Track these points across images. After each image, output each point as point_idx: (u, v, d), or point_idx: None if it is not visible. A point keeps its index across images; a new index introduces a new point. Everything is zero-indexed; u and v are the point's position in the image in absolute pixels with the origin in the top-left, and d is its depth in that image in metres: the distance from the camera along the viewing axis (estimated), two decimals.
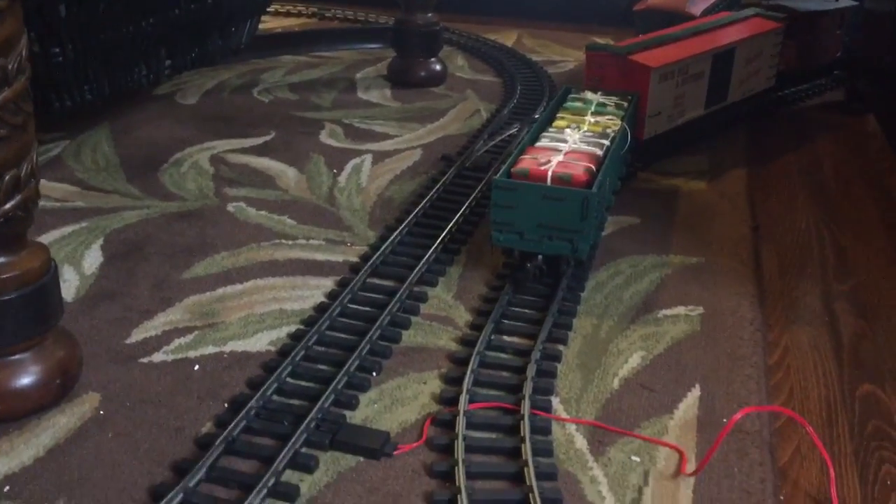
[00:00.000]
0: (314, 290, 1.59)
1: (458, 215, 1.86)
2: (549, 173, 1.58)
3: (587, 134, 1.79)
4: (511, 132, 2.38)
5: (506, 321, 1.51)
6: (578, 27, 3.69)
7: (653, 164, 2.23)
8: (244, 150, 2.24)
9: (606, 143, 1.75)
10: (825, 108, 2.83)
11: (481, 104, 2.68)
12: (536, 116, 2.12)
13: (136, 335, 1.44)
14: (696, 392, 1.35)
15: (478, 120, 2.53)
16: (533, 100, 2.68)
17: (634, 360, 1.42)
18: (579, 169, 1.61)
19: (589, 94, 2.04)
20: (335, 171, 2.14)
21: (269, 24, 3.54)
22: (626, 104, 2.00)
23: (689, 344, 1.47)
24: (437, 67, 2.87)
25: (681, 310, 1.57)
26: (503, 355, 1.42)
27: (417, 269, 1.63)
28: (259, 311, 1.52)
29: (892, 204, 2.11)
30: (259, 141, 2.31)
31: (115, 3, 1.84)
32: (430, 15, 2.79)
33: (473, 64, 3.14)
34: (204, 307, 1.52)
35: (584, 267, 1.67)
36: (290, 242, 1.77)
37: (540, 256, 1.58)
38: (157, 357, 1.38)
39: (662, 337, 1.49)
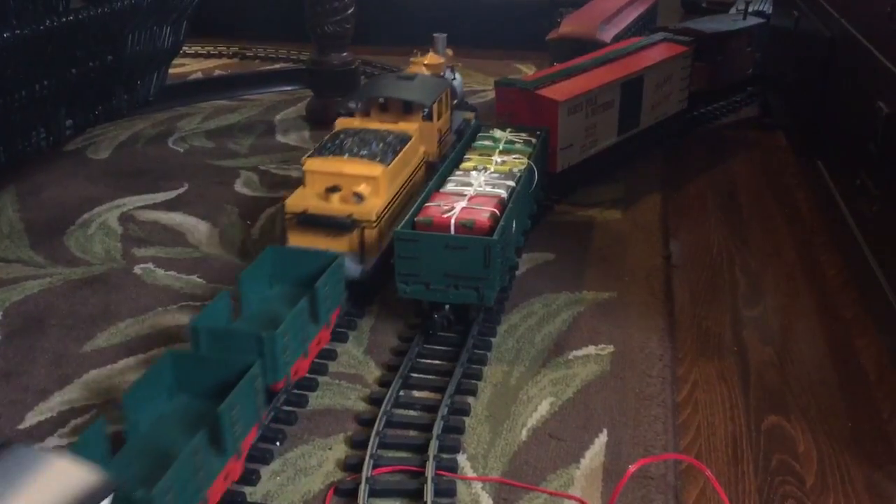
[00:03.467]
0: None
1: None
2: (453, 221, 1.58)
3: (493, 175, 1.79)
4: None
5: (414, 375, 1.49)
6: (502, 54, 3.71)
7: (569, 196, 2.23)
8: (155, 206, 2.19)
9: (512, 184, 1.75)
10: (740, 125, 2.87)
11: None
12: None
13: (31, 419, 1.39)
14: (603, 438, 1.34)
15: None
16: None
17: (543, 408, 1.41)
18: (483, 214, 1.60)
19: (498, 132, 2.04)
20: (249, 222, 2.11)
21: (189, 66, 3.49)
22: (534, 140, 2.00)
23: (597, 386, 1.47)
24: (355, 105, 2.84)
25: (591, 349, 1.57)
26: (411, 412, 1.40)
27: None
28: None
29: (801, 221, 2.14)
30: (171, 195, 2.26)
31: (3, 69, 1.79)
32: (344, 54, 2.77)
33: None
34: (104, 383, 1.48)
35: (495, 311, 1.66)
36: (199, 304, 1.73)
37: (447, 306, 1.56)
38: (51, 442, 1.33)
39: (572, 380, 1.48)
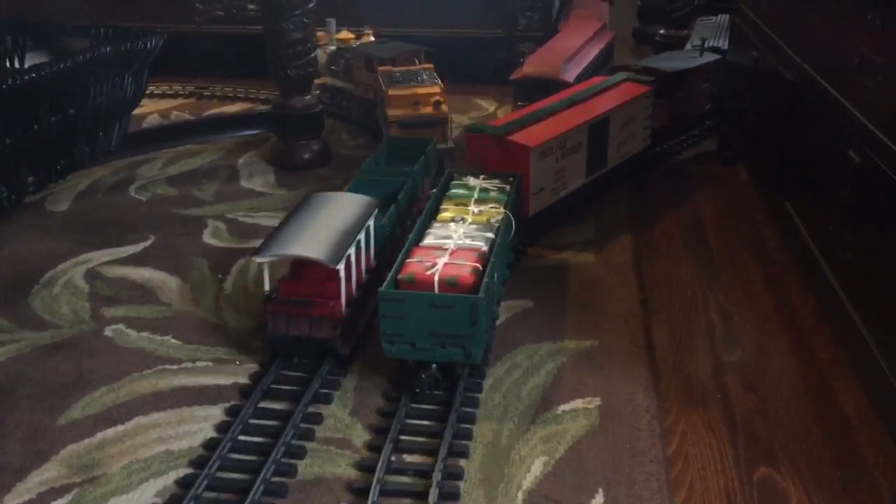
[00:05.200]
0: (202, 423, 1.52)
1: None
2: (436, 278, 1.57)
3: (471, 227, 1.78)
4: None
5: (404, 437, 1.47)
6: (461, 89, 3.71)
7: (541, 239, 2.24)
8: (121, 261, 2.14)
9: (491, 235, 1.75)
10: (701, 158, 2.92)
11: None
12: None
13: (9, 502, 1.33)
14: (599, 499, 1.33)
15: None
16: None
17: (537, 468, 1.40)
18: (466, 270, 1.59)
19: (471, 180, 2.04)
20: (220, 276, 2.07)
21: (145, 107, 3.42)
22: (508, 187, 2.01)
23: (589, 442, 1.46)
24: (321, 148, 2.83)
25: (579, 403, 1.57)
26: (404, 479, 1.38)
27: (311, 386, 1.58)
28: (144, 456, 1.43)
29: (770, 259, 2.18)
30: (138, 248, 2.21)
31: None
32: (308, 97, 2.75)
33: (358, 138, 3.12)
34: (83, 458, 1.43)
35: (480, 365, 1.65)
36: (175, 367, 1.69)
37: (434, 365, 1.55)
38: None
39: (563, 437, 1.48)
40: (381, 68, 2.83)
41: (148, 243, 2.24)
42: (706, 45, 3.03)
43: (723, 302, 1.96)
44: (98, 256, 2.16)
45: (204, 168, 2.81)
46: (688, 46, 3.31)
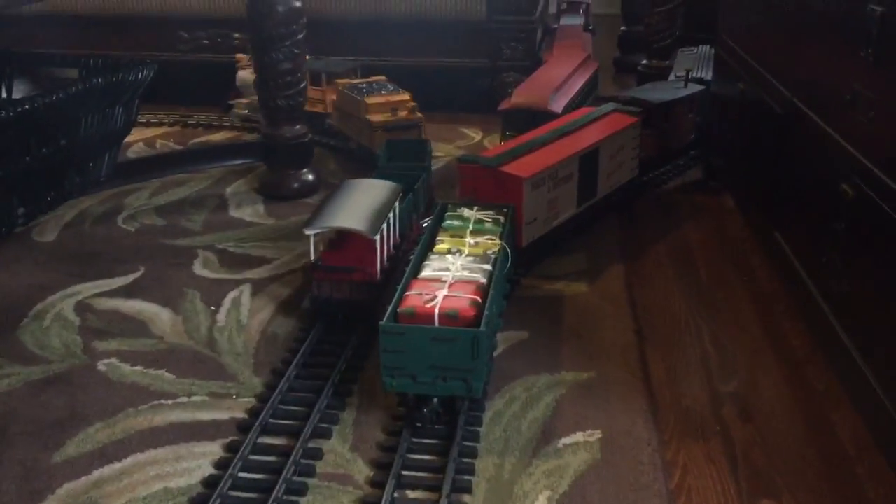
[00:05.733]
0: (200, 460, 1.50)
1: (346, 349, 1.81)
2: (436, 312, 1.56)
3: (469, 259, 1.79)
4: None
5: (406, 472, 1.46)
6: (446, 117, 3.74)
7: (534, 269, 2.25)
8: (112, 293, 2.11)
9: (489, 268, 1.75)
10: (687, 188, 2.95)
11: None
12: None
13: None
14: None
15: None
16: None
17: None
18: (465, 303, 1.59)
19: (466, 211, 2.05)
20: (213, 307, 2.05)
21: (130, 136, 3.40)
22: (502, 219, 2.01)
23: (592, 477, 1.46)
24: (310, 177, 2.83)
25: (579, 436, 1.57)
26: None
27: (310, 421, 1.57)
28: (142, 494, 1.41)
29: (760, 288, 2.20)
30: (128, 279, 2.19)
31: None
32: (297, 126, 2.75)
33: (346, 167, 3.12)
34: (80, 497, 1.40)
35: (480, 398, 1.64)
36: (171, 402, 1.67)
37: (435, 399, 1.54)
38: None
39: (566, 471, 1.47)
40: (340, 81, 3.20)
41: (138, 274, 2.22)
42: (690, 76, 3.08)
43: (716, 331, 1.98)
44: (88, 288, 2.13)
45: (192, 198, 2.79)
46: (671, 77, 3.36)
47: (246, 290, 2.14)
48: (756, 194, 2.36)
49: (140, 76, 2.26)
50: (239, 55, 3.60)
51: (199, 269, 2.26)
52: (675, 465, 1.51)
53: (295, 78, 2.67)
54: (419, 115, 2.97)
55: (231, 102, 3.61)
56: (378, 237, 1.88)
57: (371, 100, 2.95)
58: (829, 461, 1.52)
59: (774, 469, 1.50)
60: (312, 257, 1.92)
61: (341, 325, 1.90)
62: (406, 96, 2.99)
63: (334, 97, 3.22)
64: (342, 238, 1.99)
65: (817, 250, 1.74)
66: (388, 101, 2.96)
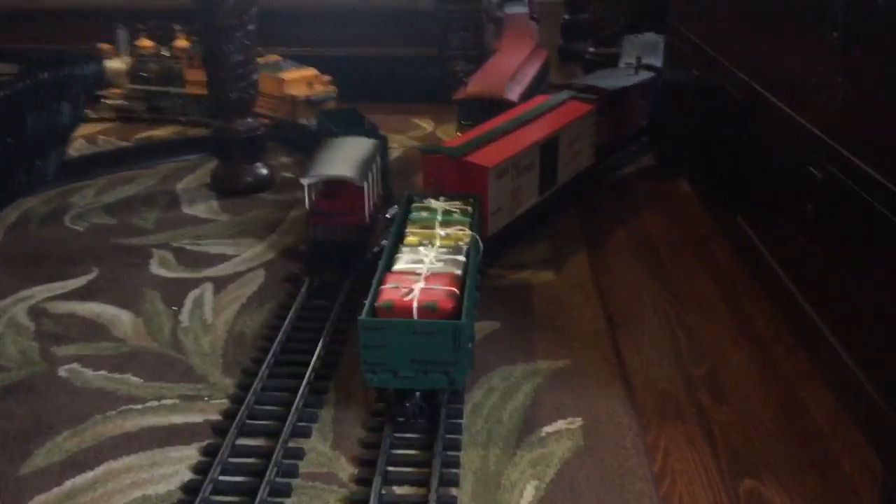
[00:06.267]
0: (178, 465, 1.45)
1: (318, 346, 1.78)
2: (415, 305, 1.55)
3: (441, 251, 1.77)
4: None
5: (392, 469, 1.44)
6: (397, 108, 3.71)
7: (500, 259, 2.24)
8: (66, 296, 2.04)
9: (462, 259, 1.74)
10: (641, 174, 2.99)
11: None
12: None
13: None
14: None
15: None
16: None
17: (529, 493, 1.40)
18: (443, 295, 1.58)
19: (433, 202, 2.03)
20: (175, 308, 1.99)
21: None
22: (470, 209, 2.00)
23: (577, 463, 1.47)
24: (264, 171, 2.77)
25: (561, 424, 1.57)
26: None
27: (288, 420, 1.53)
28: (119, 503, 1.36)
29: (721, 271, 2.24)
30: (81, 281, 2.11)
31: None
32: (249, 119, 2.69)
33: (299, 160, 3.07)
34: None
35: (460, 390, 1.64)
36: (140, 406, 1.61)
37: (418, 393, 1.53)
38: None
39: (551, 460, 1.47)
40: None
41: (92, 276, 2.14)
42: (640, 63, 3.12)
43: (682, 315, 2.00)
44: (40, 292, 2.05)
45: (141, 195, 2.71)
46: (621, 64, 3.40)
47: (207, 288, 2.09)
48: (715, 179, 2.40)
49: (87, 70, 2.18)
50: (102, 45, 3.61)
51: (155, 268, 2.20)
52: (656, 449, 1.53)
53: (247, 70, 2.61)
54: (333, 87, 3.30)
55: (102, 94, 3.59)
56: (366, 184, 2.11)
57: (288, 76, 3.19)
58: (804, 439, 1.56)
59: (753, 449, 1.53)
60: (307, 204, 2.14)
61: (313, 317, 1.88)
62: (313, 71, 3.29)
63: None
64: (333, 187, 2.17)
65: (785, 233, 1.78)
66: (303, 77, 3.21)
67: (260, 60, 3.13)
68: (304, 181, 2.10)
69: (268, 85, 3.19)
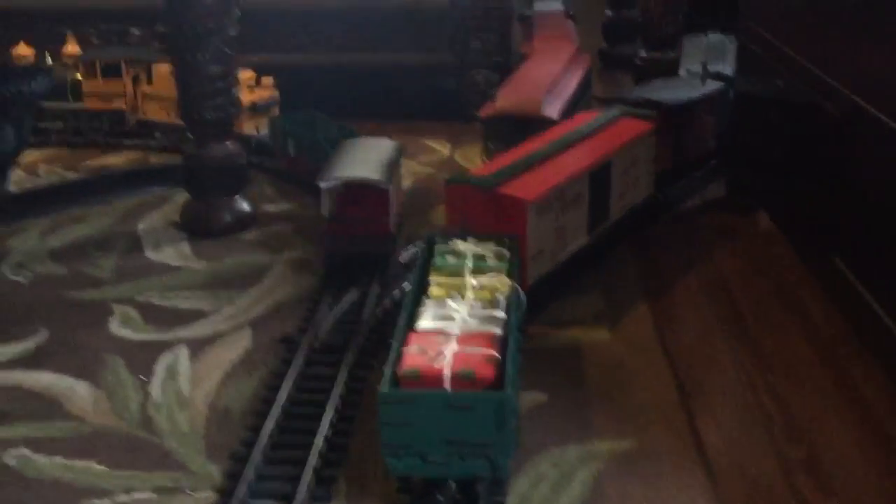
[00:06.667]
0: None
1: (323, 424, 1.80)
2: (447, 372, 1.57)
3: (475, 305, 1.80)
4: (360, 290, 2.34)
5: None
6: (407, 128, 3.75)
7: (541, 313, 2.27)
8: (10, 364, 2.07)
9: (502, 315, 1.76)
10: (710, 206, 3.02)
11: (311, 252, 2.64)
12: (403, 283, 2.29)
13: None
14: None
15: (312, 276, 2.49)
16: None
17: None
18: (481, 360, 1.60)
19: (460, 244, 2.06)
20: (143, 377, 2.02)
21: None
22: (506, 252, 2.03)
23: None
24: (245, 207, 2.81)
25: None
26: None
27: None
28: None
29: (815, 327, 2.25)
30: (28, 345, 2.14)
31: None
32: (228, 143, 2.74)
33: (286, 191, 3.11)
34: None
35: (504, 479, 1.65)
36: (107, 502, 1.63)
37: (452, 482, 1.54)
38: None
39: None
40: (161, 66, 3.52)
41: (40, 338, 2.17)
42: (706, 71, 3.17)
43: (772, 383, 2.02)
44: None
45: (96, 238, 2.75)
46: (682, 72, 3.45)
47: (182, 353, 2.11)
48: (804, 213, 2.43)
49: (34, 86, 2.23)
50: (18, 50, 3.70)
51: (117, 328, 2.23)
52: None
53: (225, 83, 2.67)
54: (276, 90, 3.54)
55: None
56: (390, 189, 2.35)
57: None
58: None
59: None
60: (326, 212, 2.34)
61: (310, 391, 1.90)
62: (252, 72, 3.47)
63: (146, 88, 3.61)
64: (352, 192, 2.38)
65: None
66: (243, 80, 3.28)
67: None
68: (323, 185, 2.32)
69: None
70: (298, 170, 3.01)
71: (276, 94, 3.54)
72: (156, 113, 3.60)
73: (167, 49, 2.91)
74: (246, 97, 3.35)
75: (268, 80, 3.55)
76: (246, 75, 3.44)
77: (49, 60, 3.66)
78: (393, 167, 2.48)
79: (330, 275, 2.37)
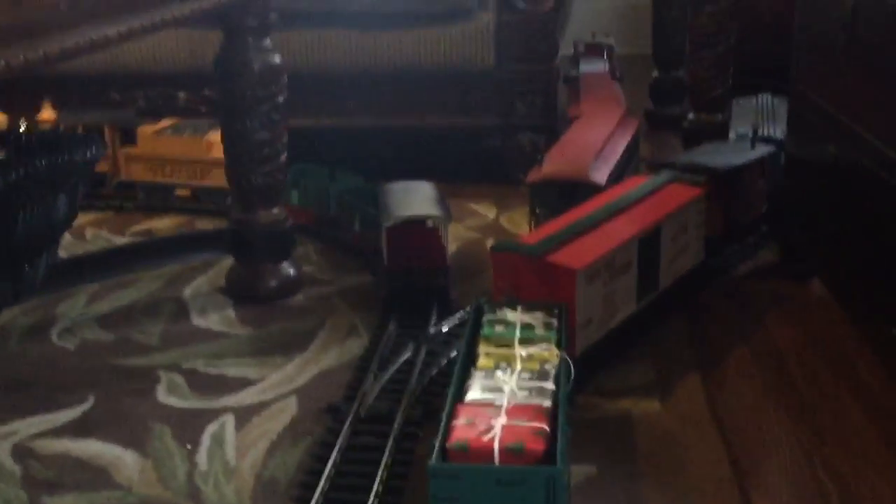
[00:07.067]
0: None
1: (371, 497, 1.82)
2: (496, 446, 1.58)
3: (524, 376, 1.82)
4: (406, 356, 2.37)
5: None
6: (450, 191, 3.78)
7: (590, 383, 2.28)
8: (57, 432, 2.12)
9: (551, 386, 1.78)
10: (762, 273, 3.03)
11: (356, 317, 2.68)
12: (453, 352, 2.36)
13: None
14: None
15: (358, 342, 2.53)
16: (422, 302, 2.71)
17: None
18: (530, 434, 1.61)
19: (508, 313, 2.08)
20: (189, 446, 2.06)
21: None
22: (554, 321, 2.05)
23: None
24: (291, 272, 2.87)
25: None
26: None
27: None
28: None
29: (875, 400, 2.24)
30: (75, 412, 2.19)
31: None
32: (275, 210, 2.80)
33: (331, 258, 3.16)
34: None
35: None
36: None
37: None
38: None
39: None
40: (145, 130, 3.75)
41: (87, 406, 2.22)
42: (756, 134, 3.19)
43: (830, 459, 2.01)
44: (25, 427, 2.13)
45: (142, 303, 2.81)
46: (731, 134, 3.48)
47: (228, 421, 2.15)
48: (860, 280, 2.43)
49: (88, 154, 2.31)
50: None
51: (163, 396, 2.27)
52: None
53: (273, 150, 2.73)
54: None
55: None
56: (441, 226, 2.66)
57: (215, 137, 3.46)
58: None
59: None
60: (385, 252, 2.63)
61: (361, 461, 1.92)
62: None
63: (132, 150, 3.75)
64: (406, 231, 2.64)
65: None
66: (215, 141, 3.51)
67: (156, 127, 3.76)
68: (386, 224, 2.61)
69: (184, 149, 3.66)
70: (366, 247, 3.01)
71: None
72: (141, 174, 3.73)
73: (215, 114, 2.99)
74: None
75: None
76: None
77: (23, 126, 3.72)
78: (442, 202, 2.79)
79: (390, 309, 2.63)
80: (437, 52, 3.83)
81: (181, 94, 3.92)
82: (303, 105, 3.61)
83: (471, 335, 2.01)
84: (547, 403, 1.72)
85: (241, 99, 2.64)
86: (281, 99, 2.71)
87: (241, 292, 2.82)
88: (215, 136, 3.54)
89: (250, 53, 2.62)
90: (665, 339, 2.53)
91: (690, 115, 4.09)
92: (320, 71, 3.84)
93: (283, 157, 2.78)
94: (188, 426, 2.13)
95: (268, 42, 2.67)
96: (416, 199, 2.80)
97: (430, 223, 2.67)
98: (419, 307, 2.59)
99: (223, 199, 3.43)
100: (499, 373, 1.84)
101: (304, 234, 3.26)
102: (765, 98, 3.90)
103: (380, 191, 2.91)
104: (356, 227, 3.07)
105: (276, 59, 2.68)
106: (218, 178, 3.42)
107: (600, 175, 2.86)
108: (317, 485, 1.85)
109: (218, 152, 3.42)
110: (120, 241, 3.34)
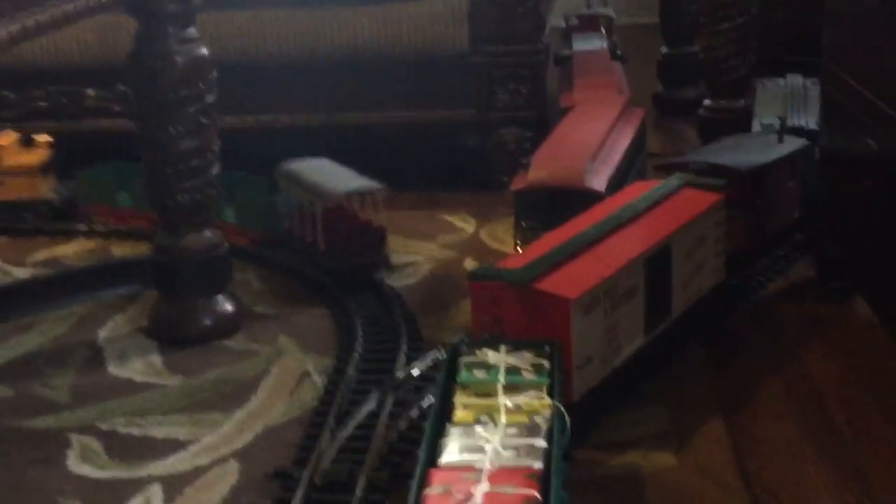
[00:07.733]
0: None
1: None
2: None
3: (510, 432, 1.84)
4: (369, 409, 2.39)
5: None
6: (418, 198, 3.82)
7: (591, 433, 2.30)
8: None
9: (542, 443, 1.80)
10: (795, 292, 3.06)
11: (308, 359, 2.70)
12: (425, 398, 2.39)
13: None
14: None
15: (310, 391, 2.54)
16: (387, 339, 2.74)
17: None
18: (518, 502, 1.64)
19: (490, 354, 2.10)
20: None
21: None
22: (546, 363, 2.07)
23: None
24: (229, 307, 2.88)
25: None
26: None
27: None
28: None
29: None
30: None
31: None
32: (208, 233, 2.82)
33: (276, 287, 3.18)
34: None
35: None
36: None
37: None
38: None
39: None
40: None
41: None
42: (785, 126, 3.22)
43: None
44: None
45: (48, 349, 2.82)
46: (755, 125, 3.51)
47: (155, 494, 2.16)
48: None
49: None
50: None
51: (75, 465, 2.28)
52: None
53: (203, 160, 2.75)
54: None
55: None
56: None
57: (4, 140, 3.70)
58: None
59: None
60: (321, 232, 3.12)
61: None
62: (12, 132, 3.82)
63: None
64: (341, 208, 3.18)
65: None
66: (12, 141, 3.72)
67: None
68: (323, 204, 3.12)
69: None
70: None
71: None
72: (23, 189, 3.79)
73: (130, 117, 2.99)
74: (31, 158, 3.75)
75: (42, 138, 3.80)
76: (12, 136, 3.76)
77: None
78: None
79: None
80: (400, 34, 3.86)
81: (90, 92, 3.94)
82: (237, 103, 3.66)
83: (445, 382, 2.03)
84: (538, 465, 1.75)
85: (162, 101, 2.66)
86: (210, 99, 2.73)
87: (167, 333, 2.84)
88: (5, 138, 3.74)
89: (172, 45, 2.64)
90: (680, 378, 2.56)
91: (707, 102, 4.12)
92: (257, 60, 3.87)
93: (215, 168, 2.79)
94: (106, 502, 2.14)
95: (192, 31, 2.69)
96: (335, 174, 3.31)
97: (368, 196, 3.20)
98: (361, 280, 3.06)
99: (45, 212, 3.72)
100: (479, 428, 1.86)
101: (242, 258, 3.29)
102: (795, 80, 3.93)
103: (282, 173, 3.40)
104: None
105: (204, 50, 2.70)
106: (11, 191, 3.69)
107: (598, 181, 2.88)
108: None
109: (12, 158, 3.71)
110: (18, 273, 3.35)
